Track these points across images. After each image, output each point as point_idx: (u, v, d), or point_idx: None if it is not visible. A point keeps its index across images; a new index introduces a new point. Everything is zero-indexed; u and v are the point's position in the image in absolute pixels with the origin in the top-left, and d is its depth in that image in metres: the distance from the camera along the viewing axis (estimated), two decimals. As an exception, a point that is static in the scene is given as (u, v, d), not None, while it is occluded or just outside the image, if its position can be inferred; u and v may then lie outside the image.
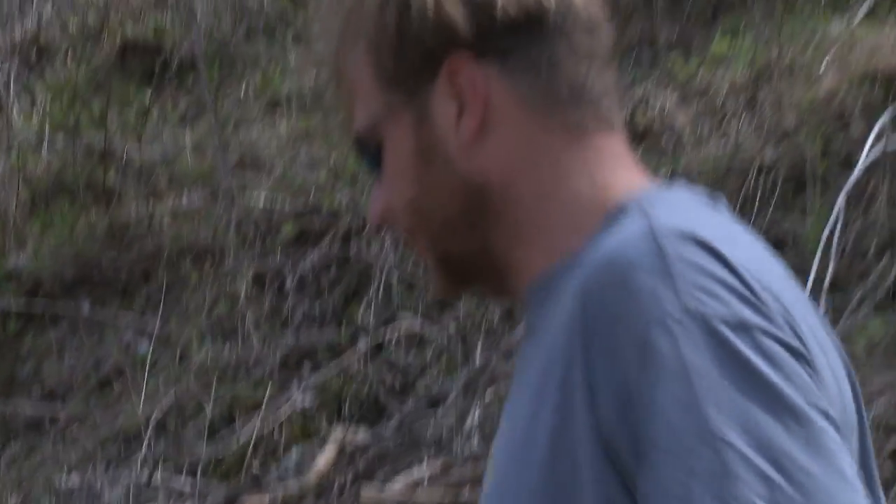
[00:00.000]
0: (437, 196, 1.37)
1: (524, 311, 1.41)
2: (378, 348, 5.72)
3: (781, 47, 5.93)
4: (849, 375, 1.27)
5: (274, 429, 5.51)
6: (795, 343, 1.19)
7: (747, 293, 1.20)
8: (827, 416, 1.16)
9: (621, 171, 1.36)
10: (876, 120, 5.45)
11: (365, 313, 5.84)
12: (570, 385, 1.22)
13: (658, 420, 1.16)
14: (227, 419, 5.66)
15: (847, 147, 5.57)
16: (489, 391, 5.27)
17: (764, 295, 1.20)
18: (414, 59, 1.35)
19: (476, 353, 5.48)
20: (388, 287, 5.85)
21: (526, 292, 1.37)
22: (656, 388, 1.16)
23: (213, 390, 5.68)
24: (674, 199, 1.32)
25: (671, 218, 1.25)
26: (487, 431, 5.11)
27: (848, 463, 1.15)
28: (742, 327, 1.18)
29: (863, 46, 5.90)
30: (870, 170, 5.30)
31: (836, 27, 6.18)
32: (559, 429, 1.22)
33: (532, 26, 1.35)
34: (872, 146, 5.31)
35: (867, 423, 1.29)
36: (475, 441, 5.14)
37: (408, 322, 5.72)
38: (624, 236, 1.25)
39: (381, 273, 5.85)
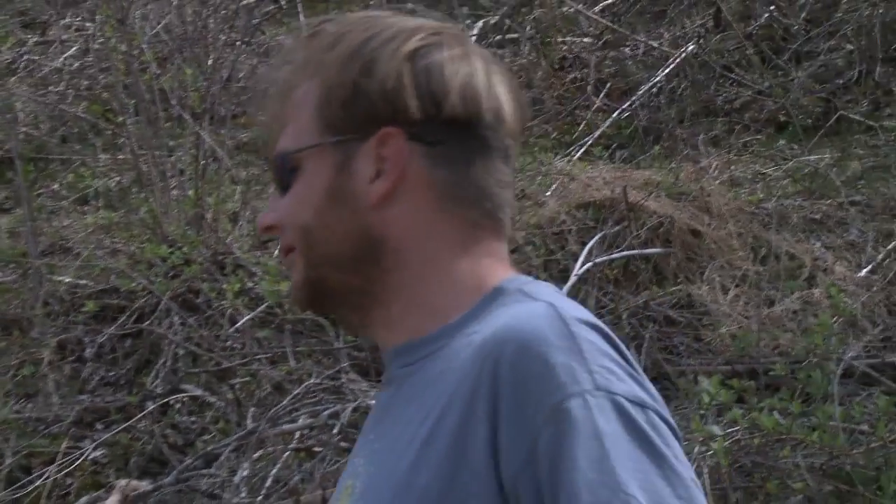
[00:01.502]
0: (331, 232, 1.43)
1: (390, 360, 1.45)
2: (163, 412, 5.77)
3: (513, 177, 6.40)
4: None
5: (66, 479, 5.52)
6: (670, 419, 1.33)
7: (636, 373, 1.33)
8: (692, 474, 1.30)
9: (499, 266, 1.45)
10: (588, 240, 5.92)
11: (153, 381, 5.91)
12: (469, 439, 1.29)
13: (577, 475, 1.24)
14: (25, 470, 5.68)
15: (564, 261, 5.94)
16: (258, 452, 5.37)
17: (644, 375, 1.34)
18: (357, 116, 1.42)
19: (248, 418, 5.51)
20: (175, 359, 5.92)
21: (402, 346, 1.43)
22: (573, 449, 1.25)
23: (13, 443, 5.70)
24: (544, 287, 1.42)
25: (562, 303, 1.36)
26: (254, 485, 5.26)
27: None
28: (639, 404, 1.30)
29: (580, 180, 6.33)
30: (581, 280, 5.68)
31: (560, 163, 6.63)
32: (450, 474, 1.29)
33: (463, 130, 1.43)
34: (584, 261, 5.71)
35: None
36: (243, 493, 5.19)
37: (191, 389, 5.79)
38: (530, 314, 1.33)
39: (170, 347, 5.98)
